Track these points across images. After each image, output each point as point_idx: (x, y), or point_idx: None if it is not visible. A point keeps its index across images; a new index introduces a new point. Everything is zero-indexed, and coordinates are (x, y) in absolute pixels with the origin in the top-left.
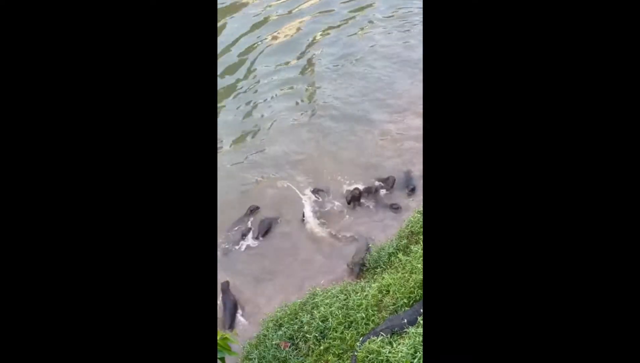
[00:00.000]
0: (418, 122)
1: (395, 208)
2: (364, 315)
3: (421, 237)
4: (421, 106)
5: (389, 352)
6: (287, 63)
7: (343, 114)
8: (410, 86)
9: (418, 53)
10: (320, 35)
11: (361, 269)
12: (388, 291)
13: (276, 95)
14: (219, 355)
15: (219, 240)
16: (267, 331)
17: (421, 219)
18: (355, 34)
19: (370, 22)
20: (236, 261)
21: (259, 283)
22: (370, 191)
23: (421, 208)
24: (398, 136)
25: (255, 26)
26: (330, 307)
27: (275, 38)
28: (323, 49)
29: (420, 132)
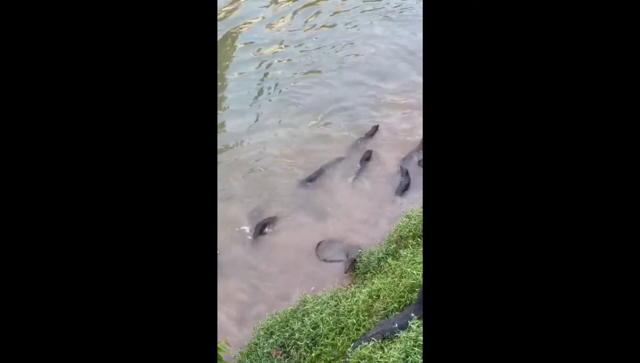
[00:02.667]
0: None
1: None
2: (354, 321)
3: (410, 241)
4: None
5: (381, 357)
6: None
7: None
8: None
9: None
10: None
11: (354, 267)
12: (378, 296)
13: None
14: None
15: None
16: (259, 339)
17: (409, 224)
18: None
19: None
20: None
21: (254, 286)
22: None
23: (410, 212)
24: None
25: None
26: (321, 314)
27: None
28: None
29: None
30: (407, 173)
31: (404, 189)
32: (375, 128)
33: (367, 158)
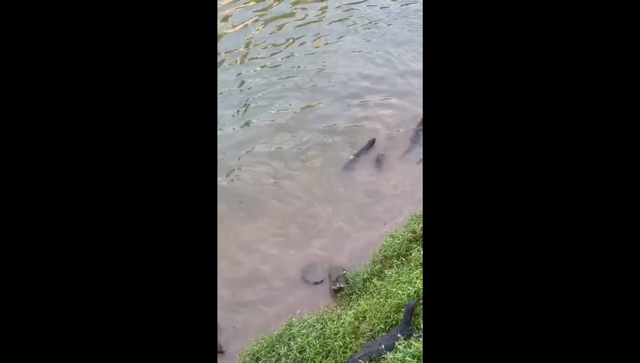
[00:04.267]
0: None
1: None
2: (341, 343)
3: (394, 261)
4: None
5: None
6: None
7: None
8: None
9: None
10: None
11: (341, 287)
12: (364, 317)
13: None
14: None
15: None
16: None
17: (394, 243)
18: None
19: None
20: None
21: (237, 311)
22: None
23: (394, 232)
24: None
25: None
26: (307, 337)
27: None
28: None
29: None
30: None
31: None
32: (372, 142)
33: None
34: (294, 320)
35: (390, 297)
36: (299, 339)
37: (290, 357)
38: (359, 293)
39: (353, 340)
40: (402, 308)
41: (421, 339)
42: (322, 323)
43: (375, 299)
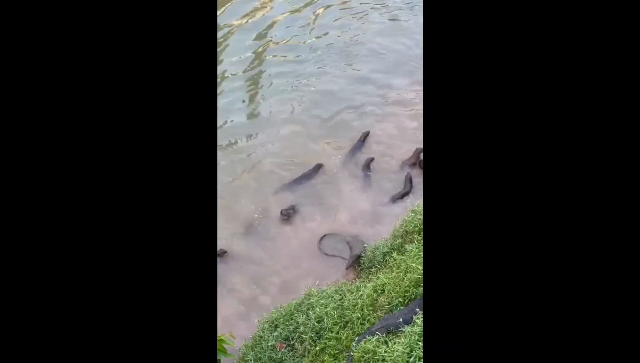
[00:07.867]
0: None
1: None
2: (359, 315)
3: (415, 236)
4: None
5: (385, 351)
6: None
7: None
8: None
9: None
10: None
11: (358, 263)
12: (383, 290)
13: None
14: None
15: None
16: (263, 332)
17: (415, 219)
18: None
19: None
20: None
21: (255, 282)
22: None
23: (415, 207)
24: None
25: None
26: (325, 307)
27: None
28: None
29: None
30: (410, 181)
31: (400, 196)
32: (366, 134)
33: (368, 164)
34: (313, 290)
35: (410, 272)
36: (317, 309)
37: (309, 325)
38: (378, 266)
39: (371, 312)
40: (422, 283)
41: None
42: (340, 295)
43: (394, 273)
